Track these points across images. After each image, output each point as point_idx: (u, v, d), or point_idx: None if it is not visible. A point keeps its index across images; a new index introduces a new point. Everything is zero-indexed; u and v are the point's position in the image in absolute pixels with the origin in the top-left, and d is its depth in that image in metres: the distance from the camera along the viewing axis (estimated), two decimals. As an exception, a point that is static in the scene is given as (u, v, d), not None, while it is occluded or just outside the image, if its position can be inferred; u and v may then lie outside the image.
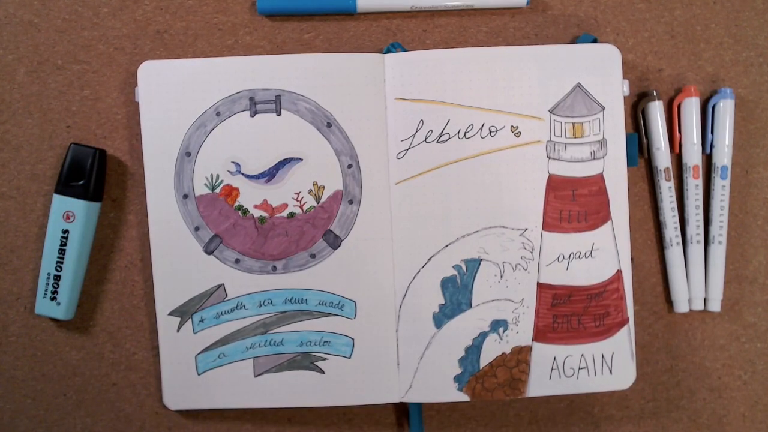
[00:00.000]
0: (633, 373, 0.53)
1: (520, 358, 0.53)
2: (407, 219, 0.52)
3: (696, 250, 0.55)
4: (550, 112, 0.52)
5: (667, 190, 0.55)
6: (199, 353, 0.52)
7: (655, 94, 0.55)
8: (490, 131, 0.52)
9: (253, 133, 0.52)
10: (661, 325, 0.56)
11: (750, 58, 0.56)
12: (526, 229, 0.52)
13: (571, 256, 0.52)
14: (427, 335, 0.52)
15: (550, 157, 0.52)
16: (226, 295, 0.52)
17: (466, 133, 0.52)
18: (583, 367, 0.53)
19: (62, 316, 0.53)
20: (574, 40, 0.55)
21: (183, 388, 0.52)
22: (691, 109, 0.55)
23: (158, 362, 0.53)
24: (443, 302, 0.52)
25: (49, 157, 0.54)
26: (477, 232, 0.52)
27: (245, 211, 0.52)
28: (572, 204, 0.52)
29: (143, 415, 0.55)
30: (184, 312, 0.52)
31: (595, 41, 0.54)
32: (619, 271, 0.53)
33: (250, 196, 0.52)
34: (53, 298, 0.52)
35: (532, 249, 0.52)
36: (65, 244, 0.52)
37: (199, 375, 0.52)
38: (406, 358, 0.52)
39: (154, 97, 0.51)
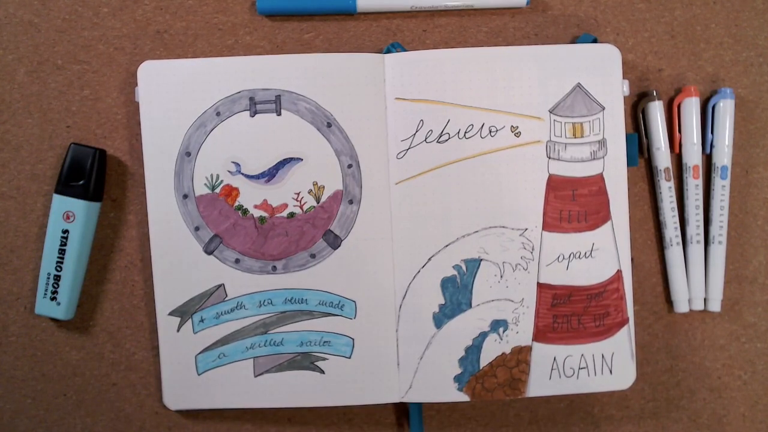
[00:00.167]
0: (633, 373, 0.53)
1: (520, 358, 0.53)
2: (407, 219, 0.52)
3: (696, 250, 0.55)
4: (550, 112, 0.52)
5: (667, 190, 0.55)
6: (199, 353, 0.52)
7: (655, 94, 0.55)
8: (490, 131, 0.52)
9: (253, 133, 0.52)
10: (661, 325, 0.56)
11: (750, 58, 0.56)
12: (526, 229, 0.52)
13: (571, 256, 0.52)
14: (427, 335, 0.52)
15: (550, 157, 0.52)
16: (226, 295, 0.52)
17: (466, 133, 0.52)
18: (583, 367, 0.53)
19: (62, 316, 0.53)
20: (574, 40, 0.55)
21: (183, 388, 0.52)
22: (691, 109, 0.55)
23: (158, 362, 0.53)
24: (443, 302, 0.52)
25: (49, 157, 0.54)
26: (477, 232, 0.52)
27: (245, 211, 0.52)
28: (572, 204, 0.52)
29: (143, 415, 0.55)
30: (184, 312, 0.52)
31: (595, 41, 0.54)
32: (619, 271, 0.53)
33: (250, 196, 0.52)
34: (53, 298, 0.52)
35: (532, 249, 0.52)
36: (65, 244, 0.52)
37: (199, 375, 0.52)
38: (406, 358, 0.52)
39: (154, 97, 0.51)
